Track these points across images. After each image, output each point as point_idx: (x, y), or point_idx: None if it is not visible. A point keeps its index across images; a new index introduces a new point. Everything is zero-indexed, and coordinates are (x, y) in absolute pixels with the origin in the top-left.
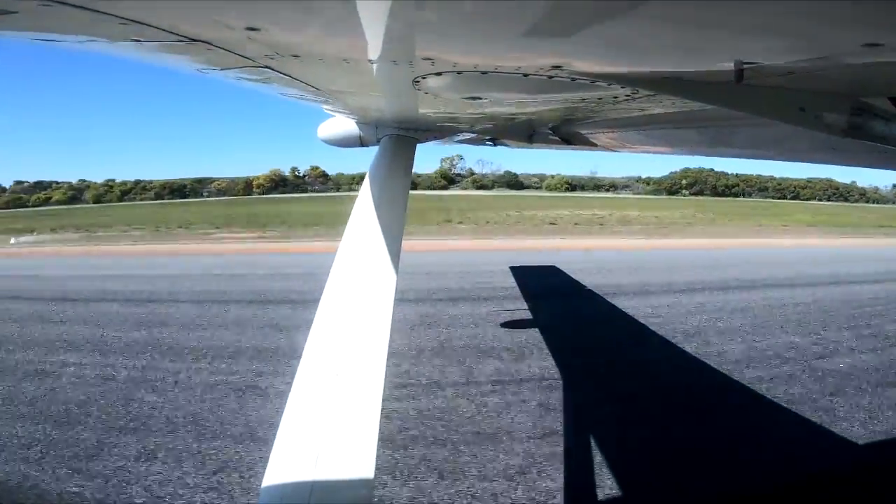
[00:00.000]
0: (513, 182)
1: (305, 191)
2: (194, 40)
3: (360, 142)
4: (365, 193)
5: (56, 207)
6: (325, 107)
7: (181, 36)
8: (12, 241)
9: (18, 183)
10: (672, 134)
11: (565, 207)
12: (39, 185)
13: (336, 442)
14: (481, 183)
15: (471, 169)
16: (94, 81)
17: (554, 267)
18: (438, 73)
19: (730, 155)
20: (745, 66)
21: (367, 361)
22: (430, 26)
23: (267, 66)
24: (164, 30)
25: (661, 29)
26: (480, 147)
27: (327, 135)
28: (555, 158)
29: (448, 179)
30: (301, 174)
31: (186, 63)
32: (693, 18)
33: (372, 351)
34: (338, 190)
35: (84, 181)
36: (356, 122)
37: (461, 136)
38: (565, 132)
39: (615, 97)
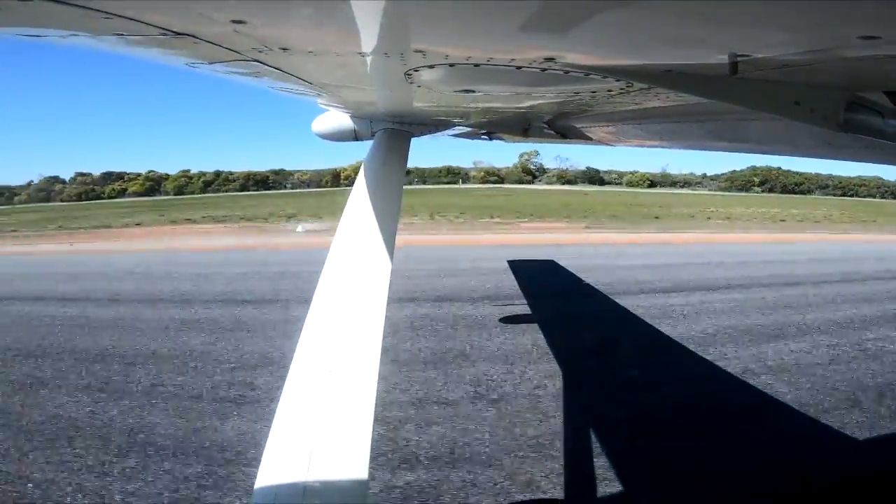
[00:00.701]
0: (595, 178)
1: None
2: (179, 34)
3: (355, 136)
4: (360, 187)
5: (143, 199)
6: (319, 101)
7: (165, 30)
8: (299, 228)
9: (82, 174)
10: (668, 128)
11: (737, 205)
12: (109, 176)
13: (329, 441)
14: (567, 178)
15: (541, 164)
16: (147, 73)
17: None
18: (431, 66)
19: (727, 149)
20: (740, 58)
21: (360, 358)
22: (421, 18)
23: (256, 60)
24: (147, 24)
25: (653, 21)
26: (556, 143)
27: (322, 129)
28: (625, 155)
29: (530, 174)
30: None
31: (174, 57)
32: (685, 10)
33: (366, 347)
34: (424, 182)
35: (153, 171)
36: (350, 117)
37: (456, 130)
38: (561, 126)
39: (610, 90)
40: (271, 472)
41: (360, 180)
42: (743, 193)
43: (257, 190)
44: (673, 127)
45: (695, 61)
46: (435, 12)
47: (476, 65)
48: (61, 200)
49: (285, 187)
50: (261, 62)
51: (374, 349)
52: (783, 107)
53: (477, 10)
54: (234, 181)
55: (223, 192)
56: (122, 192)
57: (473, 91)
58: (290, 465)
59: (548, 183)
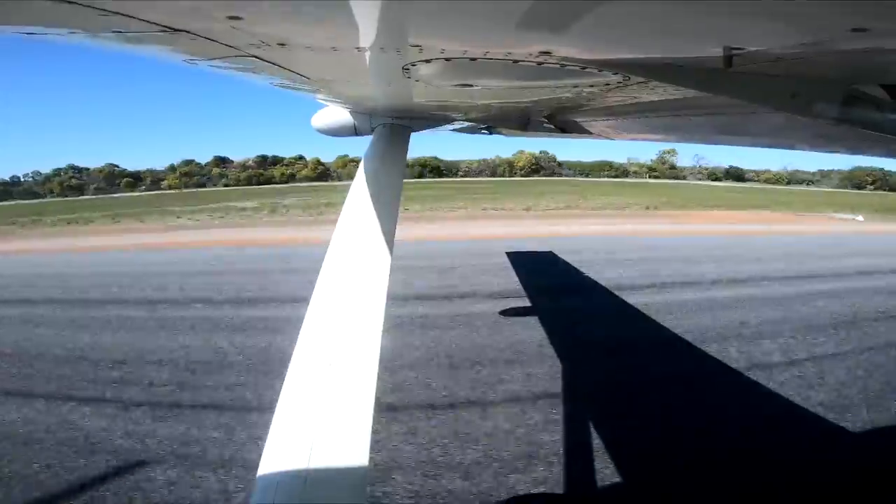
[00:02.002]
0: (737, 175)
1: (560, 174)
2: (176, 30)
3: (355, 131)
4: (359, 182)
5: (319, 184)
6: (318, 97)
7: (163, 26)
8: (859, 217)
9: (222, 159)
10: (668, 122)
11: None
12: (264, 160)
13: (330, 431)
14: (716, 175)
15: (673, 162)
16: None
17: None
18: (427, 61)
19: (727, 143)
20: (734, 52)
21: (360, 351)
22: (416, 12)
23: (254, 56)
24: (143, 20)
25: (645, 14)
26: (692, 143)
27: (321, 124)
28: (747, 155)
29: (675, 170)
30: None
31: (171, 54)
32: (676, 3)
33: (365, 341)
34: (587, 176)
35: (301, 156)
36: (350, 112)
37: (456, 125)
38: (560, 120)
39: (607, 84)
40: (273, 461)
41: (360, 175)
42: (860, 191)
43: (433, 177)
44: (672, 121)
45: (689, 55)
46: (430, 6)
47: (472, 59)
48: (224, 185)
49: (456, 175)
50: (258, 58)
51: (373, 342)
52: (780, 100)
53: (471, 4)
54: (409, 167)
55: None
56: (292, 177)
57: (471, 85)
58: (291, 454)
59: (698, 179)
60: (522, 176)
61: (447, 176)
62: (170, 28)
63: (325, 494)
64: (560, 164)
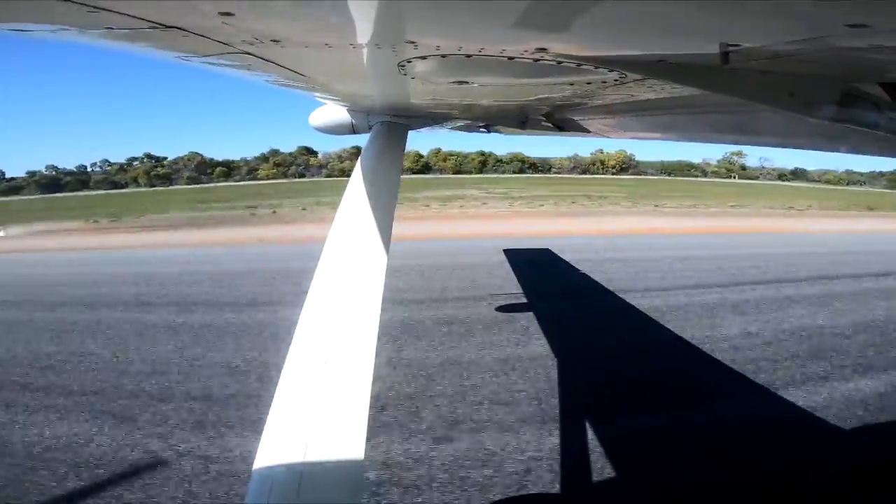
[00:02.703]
0: (801, 176)
1: (645, 173)
2: (168, 27)
3: (353, 129)
4: (356, 180)
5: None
6: (315, 95)
7: (154, 23)
8: None
9: (307, 149)
10: (666, 121)
11: None
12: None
13: (326, 430)
14: (786, 176)
15: (742, 164)
16: None
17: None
18: (423, 57)
19: (725, 142)
20: (731, 48)
21: (356, 349)
22: (410, 8)
23: (247, 53)
24: (134, 16)
25: (642, 10)
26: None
27: (319, 122)
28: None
29: (744, 170)
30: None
31: (164, 51)
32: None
33: (361, 339)
34: (670, 174)
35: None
36: (347, 110)
37: (454, 123)
38: (558, 118)
39: (604, 82)
40: (268, 459)
41: (357, 173)
42: None
43: (533, 173)
44: (670, 119)
45: (686, 51)
46: (424, 2)
47: (468, 55)
48: (327, 176)
49: (549, 171)
50: (252, 55)
51: (369, 339)
52: (777, 98)
53: (466, 1)
54: (507, 163)
55: (500, 173)
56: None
57: (467, 83)
58: (286, 453)
59: (769, 179)
60: (614, 174)
61: (541, 171)
62: (161, 25)
63: (320, 493)
64: (636, 163)
